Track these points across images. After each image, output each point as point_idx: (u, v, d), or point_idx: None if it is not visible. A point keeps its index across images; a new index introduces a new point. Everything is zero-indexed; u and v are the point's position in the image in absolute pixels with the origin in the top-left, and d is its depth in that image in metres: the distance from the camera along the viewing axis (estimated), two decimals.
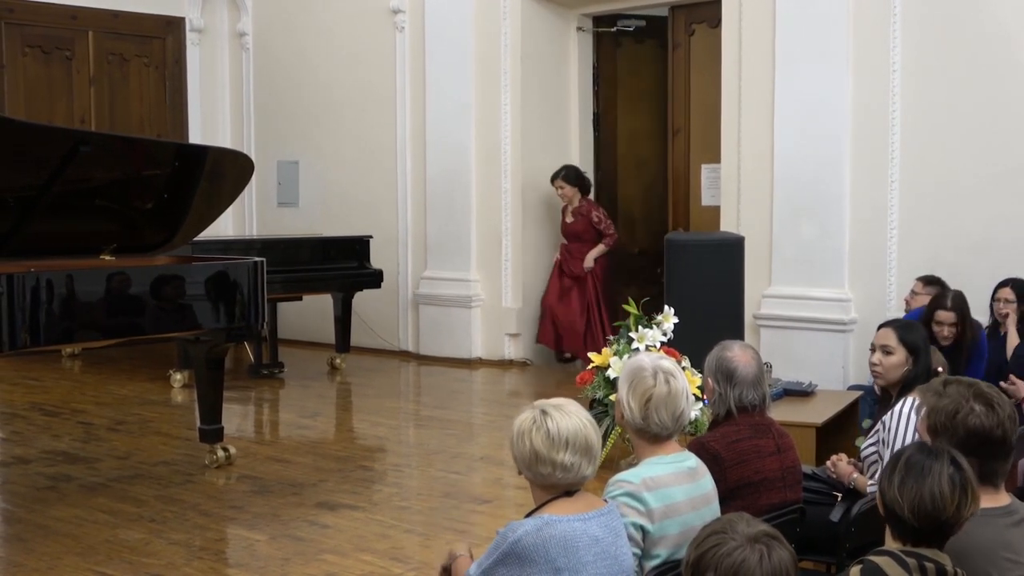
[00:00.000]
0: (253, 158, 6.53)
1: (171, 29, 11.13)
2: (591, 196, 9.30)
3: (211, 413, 5.97)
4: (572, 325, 9.11)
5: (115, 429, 7.00)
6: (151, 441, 6.69)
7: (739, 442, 3.50)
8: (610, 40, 9.72)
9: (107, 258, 5.92)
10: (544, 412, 2.85)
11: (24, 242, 5.54)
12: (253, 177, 6.46)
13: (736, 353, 3.65)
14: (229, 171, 6.22)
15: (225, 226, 10.73)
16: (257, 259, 5.85)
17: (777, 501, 3.51)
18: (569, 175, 9.03)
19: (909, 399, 3.87)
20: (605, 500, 2.95)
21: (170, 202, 6.01)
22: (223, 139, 11.06)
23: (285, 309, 9.53)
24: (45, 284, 4.86)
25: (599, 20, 9.71)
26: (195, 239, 6.56)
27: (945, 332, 5.72)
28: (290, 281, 8.42)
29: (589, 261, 9.05)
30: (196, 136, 11.15)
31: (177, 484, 5.69)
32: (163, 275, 5.47)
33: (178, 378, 8.42)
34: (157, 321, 5.48)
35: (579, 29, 9.65)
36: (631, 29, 9.62)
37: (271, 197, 11.08)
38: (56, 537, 4.82)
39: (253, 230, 11.13)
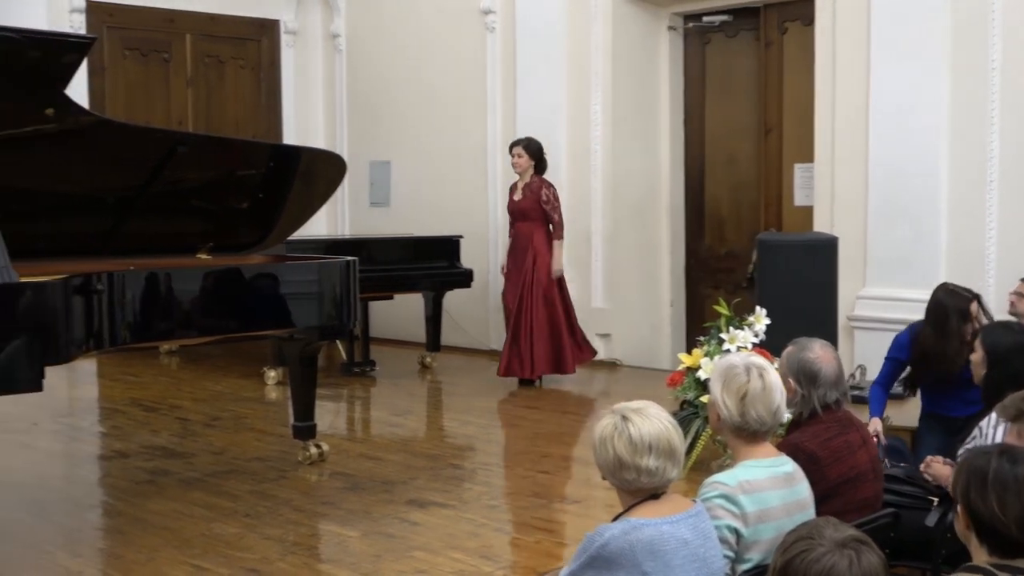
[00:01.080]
0: (345, 158, 6.60)
1: (266, 31, 11.30)
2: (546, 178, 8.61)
3: (304, 410, 6.05)
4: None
5: (211, 425, 7.13)
6: (245, 437, 6.80)
7: (831, 440, 3.47)
8: (699, 37, 9.65)
9: (203, 257, 6.03)
10: (624, 417, 2.84)
11: (124, 241, 5.67)
12: (345, 177, 6.52)
13: (818, 353, 3.61)
14: (322, 171, 6.29)
15: (318, 226, 10.86)
16: (349, 258, 5.91)
17: (871, 495, 3.48)
18: (531, 146, 8.45)
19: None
20: (694, 501, 2.93)
21: (265, 202, 6.11)
22: (316, 140, 11.19)
23: (377, 308, 9.62)
24: (144, 282, 4.96)
25: (690, 18, 9.66)
26: (289, 238, 6.65)
27: None
28: (382, 280, 8.50)
29: (558, 265, 8.41)
30: (290, 137, 11.30)
31: (271, 480, 5.78)
32: (258, 274, 5.55)
33: (272, 375, 8.55)
34: (251, 319, 5.57)
35: (670, 28, 9.60)
36: (716, 24, 9.53)
37: (363, 197, 11.19)
38: (154, 530, 4.93)
39: (346, 230, 11.25)
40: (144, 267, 5.11)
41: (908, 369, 5.39)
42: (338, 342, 9.14)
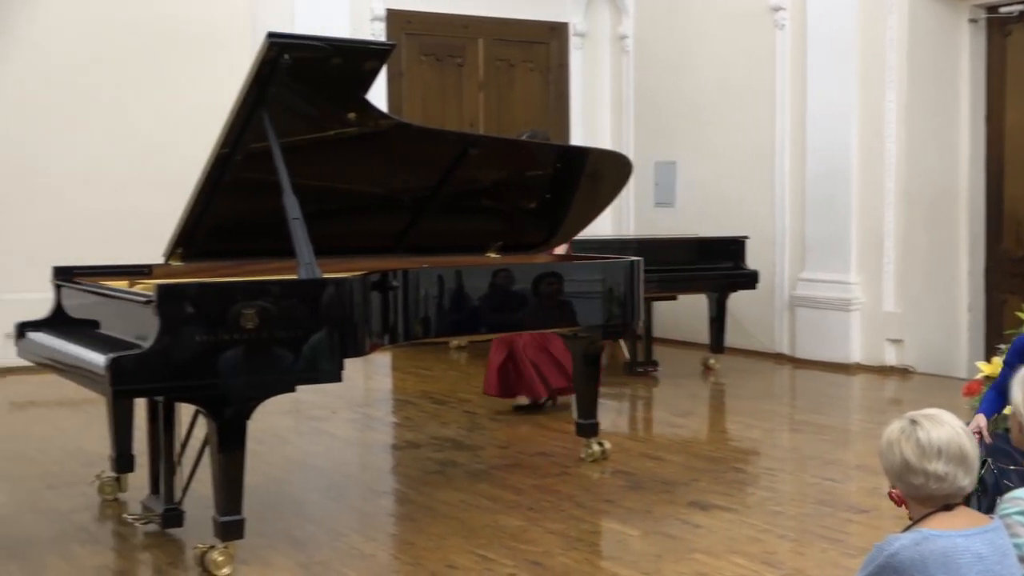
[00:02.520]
0: (631, 159, 6.63)
1: (555, 34, 11.48)
2: None
3: (587, 408, 6.12)
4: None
5: (496, 419, 7.31)
6: (529, 432, 6.93)
7: None
8: (999, 29, 9.15)
9: (492, 256, 6.19)
10: (914, 421, 2.74)
11: (417, 240, 5.88)
12: (631, 178, 6.55)
13: None
14: (608, 172, 6.34)
15: (603, 226, 10.94)
16: (634, 258, 5.94)
17: None
18: (535, 136, 7.36)
19: None
20: (992, 517, 2.79)
21: (551, 202, 6.20)
22: (602, 140, 11.29)
23: (660, 308, 9.62)
24: (436, 279, 5.14)
25: (989, 9, 9.17)
26: (574, 238, 6.73)
27: None
28: (665, 280, 8.49)
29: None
30: (577, 138, 11.44)
31: (554, 475, 5.87)
32: (544, 273, 5.65)
33: None
34: (537, 317, 5.67)
35: (971, 20, 9.15)
36: (1015, 15, 8.99)
37: (648, 197, 11.20)
38: (442, 519, 5.10)
39: (630, 230, 11.30)
40: (436, 265, 5.30)
41: None
42: (621, 342, 9.19)
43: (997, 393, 5.01)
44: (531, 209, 6.23)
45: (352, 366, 4.66)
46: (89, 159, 9.32)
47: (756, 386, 8.65)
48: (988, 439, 4.52)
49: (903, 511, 2.84)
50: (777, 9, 9.76)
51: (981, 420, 4.76)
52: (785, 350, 9.82)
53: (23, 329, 5.13)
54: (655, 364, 9.08)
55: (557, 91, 11.55)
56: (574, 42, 11.58)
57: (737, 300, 9.40)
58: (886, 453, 2.76)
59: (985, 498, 3.80)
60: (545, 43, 11.47)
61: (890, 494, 3.01)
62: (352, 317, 4.60)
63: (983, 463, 3.74)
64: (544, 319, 5.71)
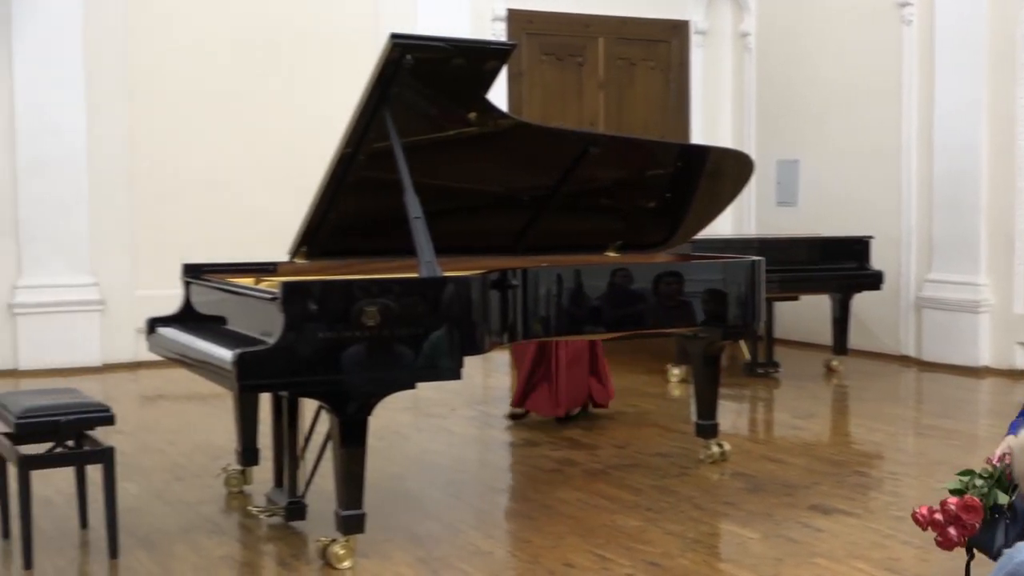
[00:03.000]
0: (753, 157, 6.55)
1: (676, 32, 11.41)
2: None
3: (707, 409, 6.07)
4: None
5: (614, 418, 7.29)
6: (648, 432, 6.90)
7: None
8: None
9: (611, 255, 6.18)
10: None
11: (535, 239, 5.90)
12: (752, 176, 6.48)
13: None
14: (729, 171, 6.28)
15: (724, 225, 10.85)
16: (755, 258, 5.87)
17: None
18: None
19: None
20: None
21: (672, 201, 6.17)
22: (723, 139, 11.18)
23: (781, 309, 9.50)
24: (555, 278, 5.15)
25: None
26: (695, 238, 6.68)
27: None
28: (787, 281, 8.37)
29: None
30: (697, 136, 11.35)
31: (673, 476, 5.84)
32: (663, 272, 5.61)
33: (675, 373, 8.65)
34: (657, 317, 5.63)
35: None
36: None
37: (770, 196, 11.06)
38: (560, 518, 5.10)
39: (751, 229, 11.17)
40: (555, 264, 5.30)
41: None
42: (741, 342, 9.09)
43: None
44: (651, 208, 6.21)
45: (471, 364, 4.70)
46: (220, 160, 9.55)
47: (880, 389, 8.49)
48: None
49: None
50: (904, 4, 9.56)
51: (1009, 441, 4.58)
52: (911, 352, 9.61)
53: (153, 325, 5.28)
54: (776, 365, 8.96)
55: (678, 89, 11.47)
56: (695, 40, 11.49)
57: (861, 301, 9.24)
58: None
59: (1014, 526, 3.66)
60: (666, 41, 11.40)
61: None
62: (471, 315, 4.64)
63: (1013, 488, 3.62)
64: (663, 319, 5.68)
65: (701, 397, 6.10)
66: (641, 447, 6.50)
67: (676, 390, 8.38)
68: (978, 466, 5.65)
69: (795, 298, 9.16)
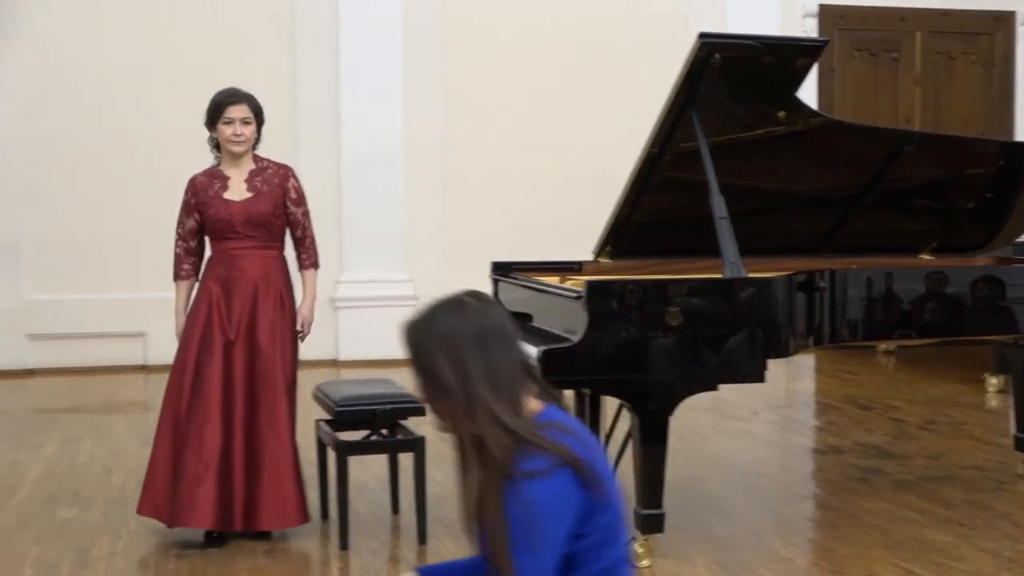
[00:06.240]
0: None
1: (1000, 24, 10.82)
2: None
3: None
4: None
5: (926, 428, 7.00)
6: (962, 444, 6.59)
7: None
8: None
9: (926, 257, 5.93)
10: None
11: (845, 240, 5.73)
12: None
13: None
14: None
15: None
16: None
17: None
18: (255, 102, 4.91)
19: None
20: None
21: (993, 201, 5.86)
22: None
23: None
24: (865, 281, 4.99)
25: None
26: (1018, 240, 6.33)
27: None
28: None
29: (307, 314, 4.99)
30: (1022, 134, 10.74)
31: (988, 491, 5.56)
32: (982, 276, 5.34)
33: (993, 382, 8.20)
34: (973, 323, 5.36)
35: None
36: None
37: None
38: (865, 528, 4.95)
39: None
40: (864, 266, 5.15)
41: None
42: None
43: None
44: (969, 209, 5.92)
45: (775, 367, 4.63)
46: (527, 161, 9.77)
47: None
48: None
49: None
50: None
51: None
52: None
53: None
54: None
55: (1001, 84, 10.88)
56: (1020, 32, 10.86)
57: None
58: None
59: None
60: (989, 34, 10.84)
61: None
62: (776, 317, 4.57)
63: None
64: (981, 325, 5.40)
65: (1022, 408, 5.76)
66: (954, 459, 6.21)
67: (993, 400, 7.95)
68: None
69: None
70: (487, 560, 2.25)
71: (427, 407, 2.33)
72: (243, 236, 4.82)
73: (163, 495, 4.71)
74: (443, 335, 2.24)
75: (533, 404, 2.33)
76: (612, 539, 2.30)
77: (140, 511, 4.79)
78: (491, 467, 2.22)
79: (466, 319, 2.25)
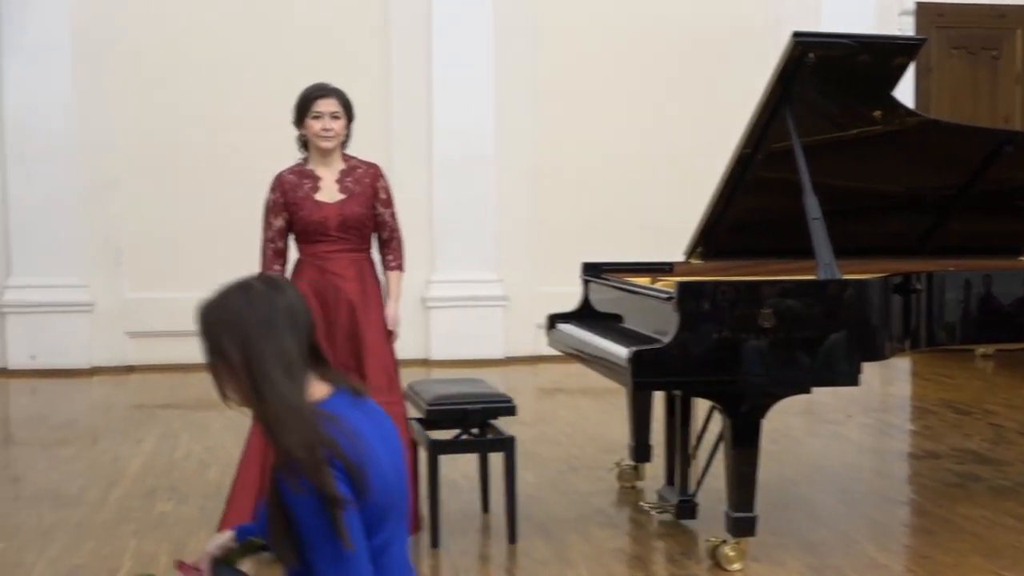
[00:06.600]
0: None
1: None
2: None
3: None
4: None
5: None
6: None
7: None
8: None
9: None
10: None
11: (941, 241, 5.64)
12: None
13: None
14: None
15: None
16: None
17: None
18: (345, 97, 4.79)
19: None
20: None
21: None
22: None
23: None
24: (963, 283, 4.90)
25: None
26: None
27: None
28: None
29: (393, 314, 4.89)
30: None
31: None
32: None
33: None
34: None
35: None
36: None
37: None
38: (962, 535, 4.86)
39: None
40: (962, 268, 5.05)
41: None
42: None
43: None
44: None
45: (870, 370, 4.57)
46: (617, 161, 9.75)
47: None
48: None
49: None
50: None
51: None
52: None
53: (553, 321, 5.47)
54: None
55: None
56: None
57: None
58: None
59: None
60: None
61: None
62: (871, 320, 4.51)
63: None
64: None
65: None
66: None
67: None
68: None
69: None
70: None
71: (214, 383, 2.44)
72: (336, 239, 4.72)
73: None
74: (229, 319, 2.35)
75: (320, 389, 2.42)
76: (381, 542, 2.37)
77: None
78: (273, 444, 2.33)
79: (253, 303, 2.35)
